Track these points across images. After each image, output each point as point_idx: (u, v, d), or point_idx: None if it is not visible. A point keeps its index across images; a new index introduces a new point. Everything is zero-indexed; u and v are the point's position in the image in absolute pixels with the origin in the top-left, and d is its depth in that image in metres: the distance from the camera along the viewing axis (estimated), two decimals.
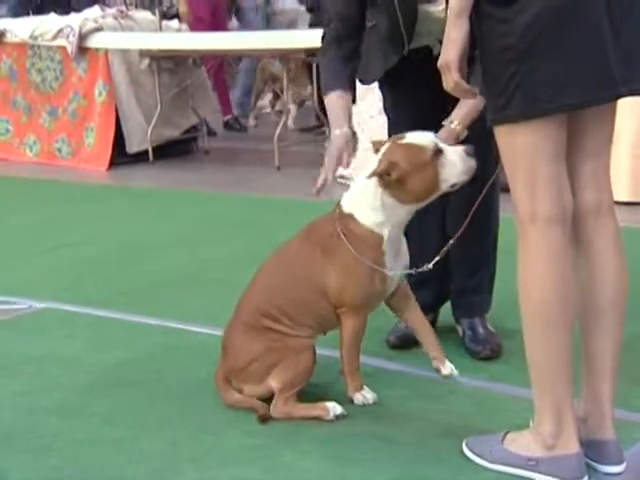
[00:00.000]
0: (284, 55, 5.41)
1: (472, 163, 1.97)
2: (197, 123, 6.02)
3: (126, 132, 5.57)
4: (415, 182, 1.98)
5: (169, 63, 5.73)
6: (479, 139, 2.09)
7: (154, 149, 5.63)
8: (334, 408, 2.08)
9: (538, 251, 1.69)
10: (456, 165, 1.97)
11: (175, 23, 6.15)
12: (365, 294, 2.07)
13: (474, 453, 1.88)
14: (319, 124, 6.31)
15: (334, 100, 2.25)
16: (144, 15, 5.97)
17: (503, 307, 2.50)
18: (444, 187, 1.99)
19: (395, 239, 2.07)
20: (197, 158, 5.98)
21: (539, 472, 1.78)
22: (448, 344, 2.36)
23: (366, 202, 2.04)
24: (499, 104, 1.65)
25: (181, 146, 5.97)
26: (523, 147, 1.66)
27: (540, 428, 1.77)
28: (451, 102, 2.15)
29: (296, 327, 2.11)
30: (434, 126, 2.15)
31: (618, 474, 1.79)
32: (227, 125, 6.81)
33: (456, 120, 2.17)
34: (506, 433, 1.87)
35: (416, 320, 2.17)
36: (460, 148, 1.99)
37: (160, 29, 5.80)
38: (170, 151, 5.79)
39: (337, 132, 2.20)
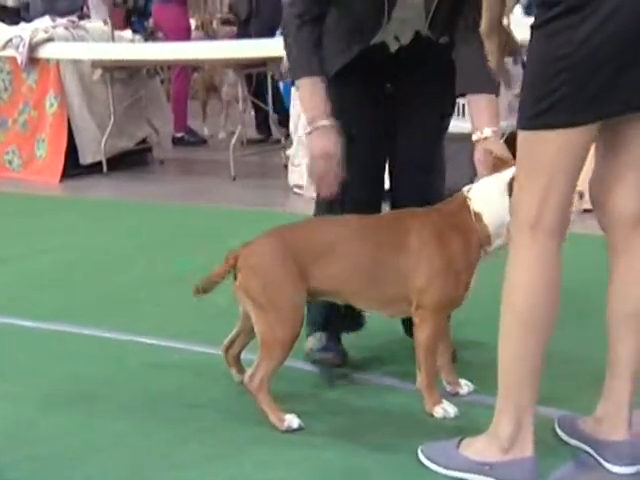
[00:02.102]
0: (247, 65, 5.39)
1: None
2: (151, 134, 6.00)
3: (79, 143, 5.51)
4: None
5: (122, 74, 5.69)
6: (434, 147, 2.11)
7: (108, 160, 5.58)
8: (291, 421, 2.07)
9: (532, 259, 1.72)
10: None
11: (128, 33, 6.12)
12: (451, 296, 2.05)
13: (429, 460, 1.90)
14: (267, 135, 6.37)
15: (309, 86, 2.08)
16: (96, 25, 5.93)
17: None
18: None
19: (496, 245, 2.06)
20: (152, 169, 5.94)
21: (494, 477, 1.81)
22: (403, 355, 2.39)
23: (497, 206, 2.01)
24: (537, 109, 1.65)
25: (135, 157, 5.93)
26: (548, 156, 1.67)
27: (498, 430, 1.80)
28: (406, 105, 2.14)
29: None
30: (381, 129, 2.12)
31: (632, 475, 1.84)
32: (178, 141, 6.65)
33: (486, 128, 2.04)
34: (461, 439, 1.90)
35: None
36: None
37: (112, 39, 5.77)
38: (124, 162, 5.74)
39: (324, 122, 2.05)
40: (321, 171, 2.09)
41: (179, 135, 6.64)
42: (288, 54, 2.14)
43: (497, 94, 2.11)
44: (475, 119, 2.10)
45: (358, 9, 2.10)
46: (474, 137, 2.09)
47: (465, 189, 2.07)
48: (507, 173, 2.00)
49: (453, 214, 2.07)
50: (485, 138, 2.07)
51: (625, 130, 1.74)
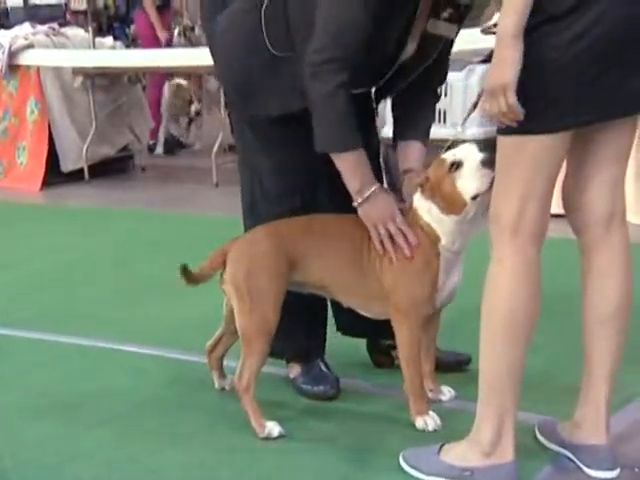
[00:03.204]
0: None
1: (488, 172, 1.93)
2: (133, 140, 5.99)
3: (60, 151, 5.50)
4: (441, 193, 2.04)
5: (103, 80, 5.68)
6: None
7: (90, 167, 5.57)
8: (271, 429, 2.08)
9: (514, 262, 1.74)
10: (473, 177, 1.99)
11: (109, 40, 6.12)
12: (417, 296, 2.07)
13: (410, 466, 1.91)
14: None
15: (352, 159, 2.01)
16: (76, 32, 5.92)
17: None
18: (467, 198, 2.01)
19: (450, 257, 2.08)
20: (134, 176, 5.93)
21: None
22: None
23: (425, 206, 2.08)
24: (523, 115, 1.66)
25: (117, 164, 5.92)
26: (528, 161, 1.69)
27: (480, 435, 1.81)
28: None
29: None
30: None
31: (612, 479, 1.85)
32: (154, 148, 6.65)
33: (414, 167, 2.19)
34: (442, 445, 1.91)
35: (424, 343, 2.19)
36: (478, 159, 1.98)
37: (93, 46, 5.76)
38: (106, 169, 5.73)
39: (373, 188, 2.04)
40: (389, 237, 2.08)
41: (153, 142, 6.65)
42: (319, 121, 2.01)
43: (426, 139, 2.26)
44: (404, 161, 2.23)
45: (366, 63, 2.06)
46: (404, 176, 2.21)
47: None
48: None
49: (406, 214, 2.11)
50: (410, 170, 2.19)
51: (596, 133, 1.76)
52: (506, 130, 1.71)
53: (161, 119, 6.62)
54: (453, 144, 2.09)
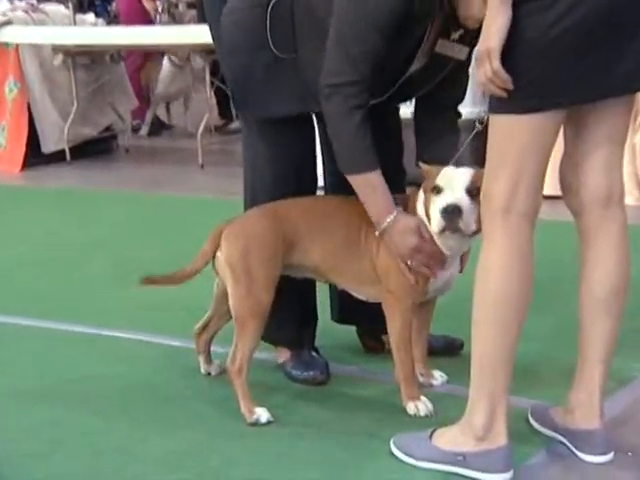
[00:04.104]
0: (213, 50, 5.35)
1: (445, 223, 1.97)
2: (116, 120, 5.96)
3: (41, 131, 5.45)
4: (425, 201, 2.05)
5: (85, 59, 5.64)
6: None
7: (71, 148, 5.53)
8: (260, 415, 2.09)
9: (506, 243, 1.75)
10: (435, 211, 1.99)
11: (90, 17, 6.06)
12: (406, 281, 2.07)
13: (402, 451, 1.92)
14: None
15: (374, 181, 2.01)
16: (56, 8, 5.85)
17: None
18: (434, 228, 2.01)
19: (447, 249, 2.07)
20: (117, 157, 5.90)
21: (467, 467, 1.84)
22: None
23: (421, 200, 2.08)
24: (510, 93, 1.67)
25: (100, 145, 5.88)
26: (519, 140, 1.70)
27: (472, 419, 1.83)
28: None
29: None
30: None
31: (606, 463, 1.87)
32: (138, 129, 6.60)
33: None
34: (434, 430, 1.92)
35: (417, 327, 2.20)
36: (443, 204, 1.97)
37: (74, 23, 5.70)
38: (88, 150, 5.70)
39: (394, 214, 2.02)
40: (419, 263, 2.06)
41: (136, 122, 6.61)
42: (334, 140, 2.04)
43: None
44: None
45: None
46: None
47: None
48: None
49: (409, 203, 2.11)
50: None
51: (591, 111, 1.77)
52: (496, 109, 1.73)
53: (149, 100, 6.58)
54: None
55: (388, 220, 2.03)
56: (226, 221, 2.18)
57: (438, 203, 1.99)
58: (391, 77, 2.11)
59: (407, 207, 2.11)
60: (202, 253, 2.17)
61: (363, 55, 1.97)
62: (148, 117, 6.59)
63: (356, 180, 2.04)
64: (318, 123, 2.31)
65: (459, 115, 2.31)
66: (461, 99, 2.29)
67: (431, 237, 2.05)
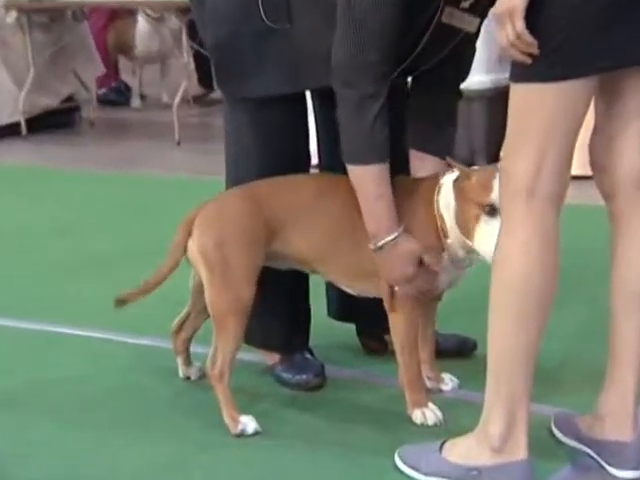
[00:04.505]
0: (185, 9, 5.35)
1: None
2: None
3: None
4: (462, 210, 2.01)
5: (42, 17, 5.62)
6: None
7: (28, 121, 5.53)
8: (246, 424, 2.10)
9: (528, 229, 1.76)
10: (490, 237, 1.91)
11: None
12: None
13: (407, 465, 1.94)
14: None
15: (380, 179, 2.01)
16: None
17: None
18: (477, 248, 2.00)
19: (455, 253, 2.09)
20: (81, 131, 5.90)
21: None
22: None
23: (447, 199, 2.07)
24: (534, 59, 1.67)
25: (61, 117, 5.87)
26: (544, 112, 1.71)
27: (488, 427, 1.84)
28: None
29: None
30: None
31: None
32: (105, 99, 6.62)
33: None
34: (444, 441, 1.93)
35: (421, 325, 2.20)
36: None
37: None
38: (48, 123, 5.68)
39: (390, 238, 2.02)
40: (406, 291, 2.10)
41: (103, 90, 6.60)
42: (349, 132, 2.04)
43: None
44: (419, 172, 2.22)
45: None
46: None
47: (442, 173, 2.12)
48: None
49: (423, 187, 2.12)
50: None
51: (624, 81, 1.78)
52: (517, 77, 1.73)
53: (116, 65, 6.57)
54: None
55: (388, 239, 2.04)
56: (199, 205, 2.17)
57: (495, 228, 1.90)
58: (403, 52, 2.11)
59: (418, 197, 2.10)
60: (174, 246, 2.16)
61: (381, 29, 1.96)
62: (136, 83, 6.55)
63: (360, 174, 2.03)
64: (313, 100, 2.32)
65: (460, 95, 2.32)
66: (464, 77, 2.30)
67: (436, 261, 2.06)
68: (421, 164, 2.22)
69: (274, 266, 2.20)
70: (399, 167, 2.15)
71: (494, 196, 1.94)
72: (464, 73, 2.29)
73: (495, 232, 1.87)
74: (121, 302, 2.24)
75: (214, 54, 2.28)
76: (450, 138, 2.29)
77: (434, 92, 2.23)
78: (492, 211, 1.96)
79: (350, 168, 2.05)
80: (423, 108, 2.25)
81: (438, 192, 2.09)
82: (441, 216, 2.08)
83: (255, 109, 2.24)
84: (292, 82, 2.18)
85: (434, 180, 2.11)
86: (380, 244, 2.04)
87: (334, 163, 2.20)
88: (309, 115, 2.36)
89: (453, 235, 2.07)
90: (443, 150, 2.22)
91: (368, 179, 2.04)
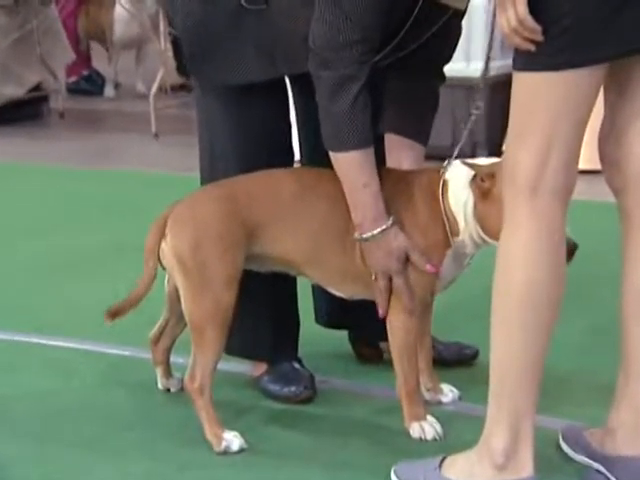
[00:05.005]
0: None
1: None
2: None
3: None
4: (494, 209, 1.98)
5: None
6: None
7: None
8: (230, 442, 2.10)
9: (533, 227, 1.77)
10: None
11: None
12: (417, 279, 2.09)
13: None
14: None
15: (365, 164, 2.04)
16: None
17: None
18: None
19: (462, 249, 2.11)
20: (49, 123, 5.90)
21: None
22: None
23: (464, 196, 2.07)
24: (538, 46, 1.69)
25: (27, 108, 5.87)
26: (549, 102, 1.72)
27: (491, 443, 1.84)
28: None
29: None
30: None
31: None
32: (75, 88, 6.64)
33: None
34: (444, 458, 1.94)
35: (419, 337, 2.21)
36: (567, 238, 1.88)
37: None
38: (12, 114, 5.68)
39: (378, 231, 2.05)
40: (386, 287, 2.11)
41: (73, 79, 6.59)
42: (324, 115, 2.06)
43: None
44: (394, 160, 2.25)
45: None
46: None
47: (445, 163, 2.13)
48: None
49: (425, 179, 2.13)
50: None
51: (635, 70, 1.79)
52: (521, 65, 1.74)
53: (88, 52, 6.56)
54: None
55: (375, 232, 2.05)
56: (170, 205, 2.16)
57: None
58: (389, 32, 2.11)
59: (419, 193, 2.11)
60: (147, 252, 2.15)
61: (360, 8, 1.97)
62: (111, 72, 6.54)
63: (343, 160, 2.04)
64: (293, 91, 2.32)
65: (443, 79, 2.33)
66: (448, 59, 2.32)
67: (423, 260, 2.06)
68: (397, 148, 2.24)
69: (257, 269, 2.20)
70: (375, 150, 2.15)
71: None
72: (449, 55, 2.31)
73: None
74: (113, 315, 2.23)
75: (186, 38, 2.28)
76: (430, 122, 2.31)
77: (417, 75, 2.25)
78: None
79: (332, 155, 2.06)
80: (404, 91, 2.27)
81: (444, 189, 2.09)
82: (452, 214, 2.09)
83: (231, 98, 2.24)
84: (268, 67, 2.18)
85: (435, 175, 2.12)
86: (366, 236, 2.06)
87: (316, 158, 2.20)
88: (291, 109, 2.36)
89: (467, 233, 2.08)
90: (422, 134, 2.26)
91: (352, 166, 2.05)
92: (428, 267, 2.08)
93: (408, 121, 2.27)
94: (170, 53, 6.21)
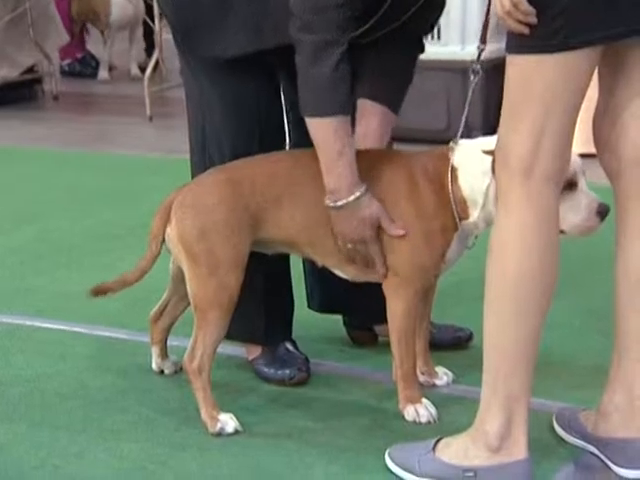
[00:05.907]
0: None
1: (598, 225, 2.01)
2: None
3: None
4: None
5: None
6: None
7: None
8: (225, 423, 2.11)
9: (526, 211, 1.77)
10: (579, 211, 1.99)
11: None
12: (421, 260, 2.10)
13: (399, 466, 1.95)
14: None
15: (333, 128, 2.03)
16: None
17: None
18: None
19: (470, 231, 2.12)
20: (43, 106, 5.89)
21: None
22: None
23: (474, 174, 2.06)
24: (533, 30, 1.68)
25: (21, 90, 5.87)
26: (543, 85, 1.72)
27: (485, 426, 1.85)
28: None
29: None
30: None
31: None
32: (69, 71, 6.64)
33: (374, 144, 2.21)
34: (438, 440, 1.95)
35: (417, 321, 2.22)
36: (595, 204, 1.99)
37: None
38: (6, 97, 5.68)
39: (352, 198, 2.05)
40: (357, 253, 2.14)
41: (67, 61, 6.57)
42: (303, 81, 2.05)
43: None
44: (364, 132, 2.24)
45: None
46: None
47: (452, 142, 2.12)
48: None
49: (430, 164, 2.13)
50: None
51: (629, 53, 1.79)
52: (514, 48, 1.74)
53: (82, 33, 6.54)
54: None
55: (350, 199, 2.05)
56: (175, 190, 2.17)
57: (583, 201, 1.98)
58: (372, 6, 2.11)
59: (425, 177, 2.10)
60: (152, 236, 2.17)
61: None
62: (104, 55, 6.52)
63: (319, 126, 2.04)
64: (281, 71, 2.31)
65: (422, 49, 2.32)
66: (430, 30, 2.32)
67: (394, 227, 2.07)
68: (368, 121, 2.24)
69: (262, 251, 2.21)
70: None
71: (572, 172, 1.96)
72: (431, 26, 2.31)
73: (588, 204, 1.97)
74: (97, 292, 2.24)
75: (171, 13, 2.27)
76: (404, 92, 2.31)
77: (397, 46, 2.24)
78: (572, 186, 1.98)
79: (309, 121, 2.06)
80: (384, 61, 2.26)
81: (454, 175, 2.08)
82: (462, 201, 2.08)
83: (218, 74, 2.23)
84: (255, 40, 2.15)
85: (440, 162, 2.11)
86: (340, 204, 2.06)
87: (305, 144, 2.20)
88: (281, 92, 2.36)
89: (482, 215, 2.07)
90: (396, 103, 2.27)
91: (328, 133, 2.04)
92: (398, 232, 2.09)
93: (385, 89, 2.26)
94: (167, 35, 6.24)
